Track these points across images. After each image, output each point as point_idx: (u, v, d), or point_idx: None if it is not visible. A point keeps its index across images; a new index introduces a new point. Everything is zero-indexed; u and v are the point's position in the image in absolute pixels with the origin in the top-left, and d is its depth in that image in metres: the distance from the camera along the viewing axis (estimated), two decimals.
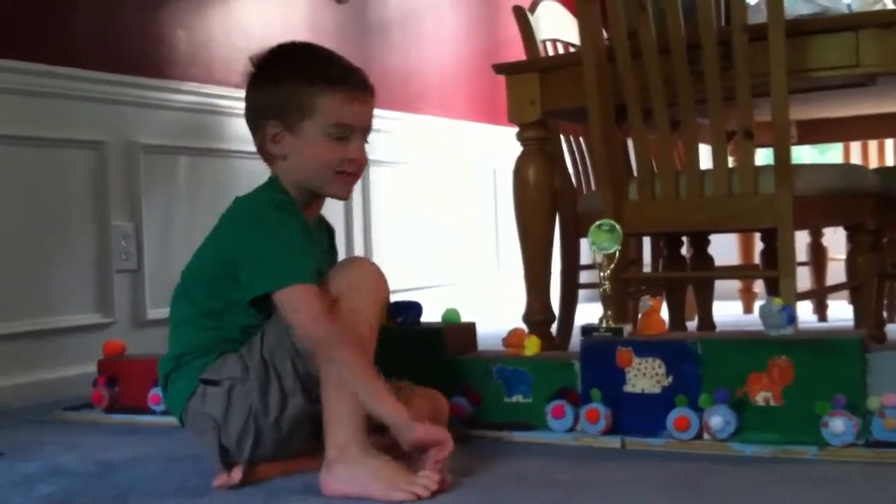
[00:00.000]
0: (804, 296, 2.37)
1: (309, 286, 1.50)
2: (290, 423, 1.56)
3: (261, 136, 1.61)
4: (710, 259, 3.05)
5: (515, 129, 2.55)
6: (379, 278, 1.59)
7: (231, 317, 1.57)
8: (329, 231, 1.77)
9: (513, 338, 1.89)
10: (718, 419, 1.63)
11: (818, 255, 3.67)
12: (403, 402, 1.52)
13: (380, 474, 1.45)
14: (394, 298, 1.98)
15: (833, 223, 2.80)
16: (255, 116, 1.62)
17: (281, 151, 1.60)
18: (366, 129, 1.62)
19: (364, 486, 1.45)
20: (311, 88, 1.57)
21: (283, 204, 1.58)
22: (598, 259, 1.81)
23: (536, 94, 2.47)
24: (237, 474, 1.54)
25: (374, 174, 3.65)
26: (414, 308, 1.95)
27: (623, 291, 2.37)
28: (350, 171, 1.61)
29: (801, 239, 3.41)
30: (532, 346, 1.86)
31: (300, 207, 1.62)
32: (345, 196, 1.65)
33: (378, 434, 1.51)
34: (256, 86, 1.62)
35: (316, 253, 1.60)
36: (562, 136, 2.96)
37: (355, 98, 1.60)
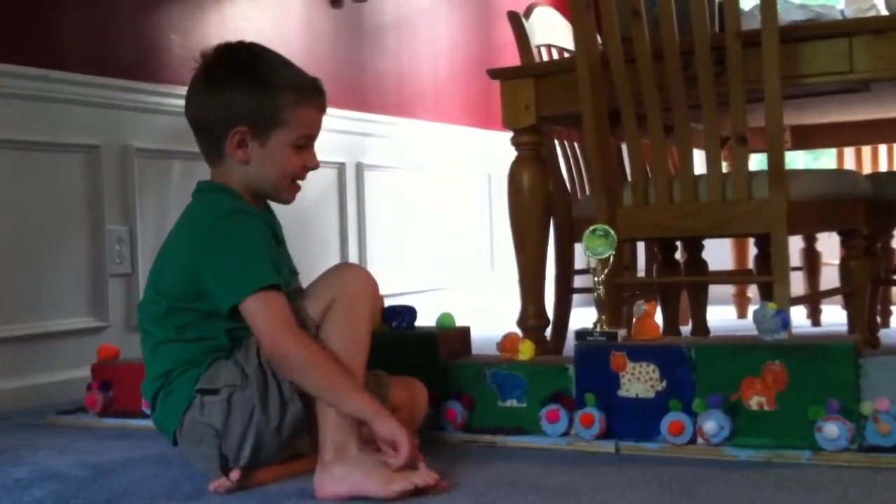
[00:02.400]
0: (798, 301, 2.37)
1: (267, 292, 1.48)
2: (290, 428, 1.55)
3: (222, 140, 1.57)
4: (704, 264, 3.05)
5: (510, 134, 2.56)
6: (371, 283, 1.59)
7: (213, 324, 1.55)
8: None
9: (507, 342, 1.89)
10: (712, 424, 1.64)
11: (812, 260, 3.68)
12: (379, 392, 1.54)
13: (375, 471, 1.46)
14: (388, 303, 1.98)
15: (827, 228, 2.81)
16: (218, 119, 1.58)
17: (243, 157, 1.58)
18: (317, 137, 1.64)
19: (359, 484, 1.45)
20: (287, 100, 1.56)
21: (239, 207, 1.56)
22: (593, 264, 1.82)
23: (531, 99, 2.48)
24: (235, 475, 1.53)
25: (369, 178, 3.65)
26: (408, 313, 1.95)
27: (617, 296, 2.37)
28: (302, 178, 1.63)
29: (795, 244, 3.41)
30: (526, 350, 1.86)
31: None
32: (291, 201, 1.64)
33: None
34: (220, 86, 1.58)
35: (276, 253, 1.58)
36: (556, 141, 2.96)
37: (321, 109, 1.62)
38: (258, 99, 1.56)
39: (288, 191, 1.63)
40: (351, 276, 1.58)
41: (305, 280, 1.65)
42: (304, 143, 1.60)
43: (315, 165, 1.62)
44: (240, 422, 1.53)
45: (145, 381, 1.61)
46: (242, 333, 1.55)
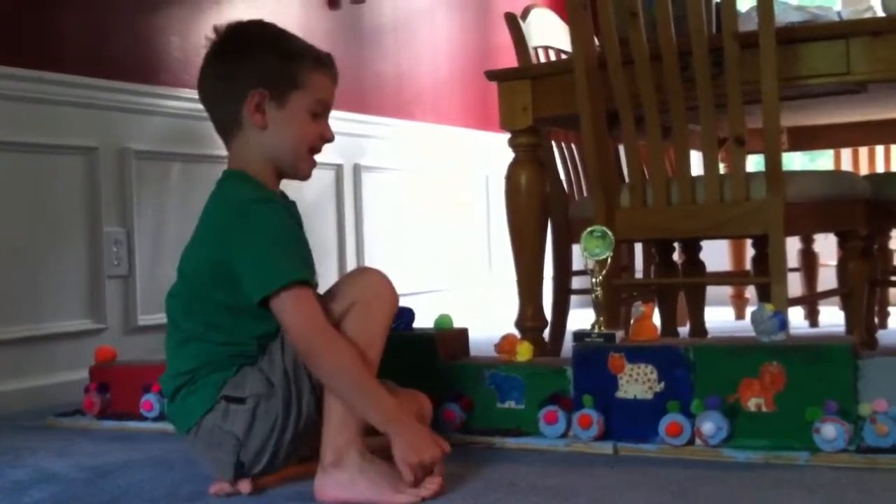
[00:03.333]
0: (795, 302, 2.37)
1: (300, 289, 1.48)
2: (302, 437, 1.55)
3: (240, 105, 1.56)
4: (701, 265, 3.05)
5: (507, 136, 2.56)
6: (390, 288, 1.57)
7: (241, 327, 1.53)
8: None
9: (505, 344, 1.89)
10: (710, 425, 1.64)
11: (809, 262, 3.68)
12: None
13: (381, 480, 1.45)
14: None
15: (824, 230, 2.81)
16: (235, 84, 1.57)
17: (262, 122, 1.57)
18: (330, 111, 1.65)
19: (365, 492, 1.45)
20: (303, 63, 1.58)
21: (261, 195, 1.55)
22: (590, 265, 1.82)
23: (528, 100, 2.48)
24: (246, 487, 1.53)
25: (367, 180, 3.65)
26: (406, 314, 1.95)
27: (615, 297, 2.37)
28: (318, 151, 1.63)
29: (793, 245, 3.42)
30: (524, 351, 1.86)
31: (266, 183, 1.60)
32: (309, 176, 1.64)
33: (371, 435, 1.52)
34: (237, 55, 1.58)
35: (303, 243, 1.57)
36: (553, 143, 2.96)
37: (335, 80, 1.63)
38: (276, 62, 1.57)
39: (306, 162, 1.61)
40: (371, 281, 1.57)
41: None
42: (321, 111, 1.61)
43: (331, 137, 1.62)
44: (262, 432, 1.51)
45: (165, 375, 1.59)
46: (271, 341, 1.54)
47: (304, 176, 1.64)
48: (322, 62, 1.61)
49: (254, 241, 1.50)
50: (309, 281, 1.51)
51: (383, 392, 1.49)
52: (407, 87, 3.95)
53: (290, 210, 1.63)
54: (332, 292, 1.56)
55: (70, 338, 2.61)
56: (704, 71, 2.12)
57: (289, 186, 1.67)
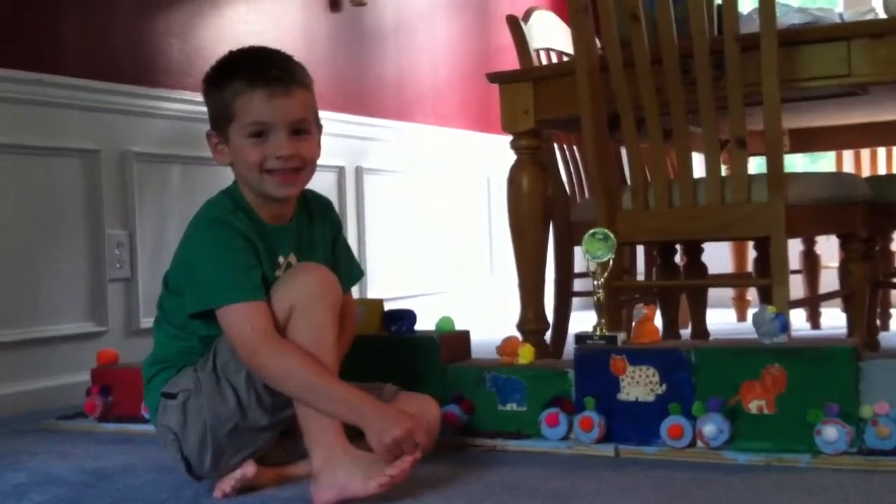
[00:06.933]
0: (797, 304, 2.37)
1: (242, 304, 1.50)
2: (250, 434, 1.56)
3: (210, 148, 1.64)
4: (703, 267, 3.05)
5: (509, 138, 2.56)
6: (328, 283, 1.55)
7: (191, 326, 1.59)
8: (325, 223, 1.71)
9: (506, 346, 1.89)
10: (712, 427, 1.64)
11: (811, 264, 3.68)
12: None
13: (357, 471, 1.45)
14: (388, 307, 1.99)
15: (825, 231, 2.81)
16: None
17: (223, 160, 1.62)
18: (291, 122, 1.55)
19: (344, 487, 1.45)
20: (226, 93, 1.56)
21: (222, 216, 1.56)
22: (592, 267, 1.82)
23: (530, 103, 2.48)
24: (250, 469, 1.55)
25: (368, 182, 3.66)
26: (408, 317, 1.95)
27: (617, 300, 2.37)
28: (279, 168, 1.55)
29: (794, 247, 3.41)
30: (526, 354, 1.86)
31: (258, 209, 1.60)
32: (284, 194, 1.59)
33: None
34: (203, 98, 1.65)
35: (254, 265, 1.55)
36: (555, 145, 2.96)
37: (271, 94, 1.53)
38: (213, 100, 1.60)
39: (265, 183, 1.57)
40: (305, 282, 1.54)
41: None
42: (259, 132, 1.55)
43: (280, 154, 1.54)
44: (195, 428, 1.55)
45: (145, 360, 1.68)
46: (214, 342, 1.58)
47: (277, 195, 1.58)
48: (251, 84, 1.54)
49: (198, 257, 1.55)
50: (250, 298, 1.51)
51: (340, 387, 1.48)
52: (408, 90, 3.95)
53: (260, 233, 1.59)
54: (271, 294, 1.54)
55: (72, 340, 2.61)
56: (706, 73, 2.12)
57: None
